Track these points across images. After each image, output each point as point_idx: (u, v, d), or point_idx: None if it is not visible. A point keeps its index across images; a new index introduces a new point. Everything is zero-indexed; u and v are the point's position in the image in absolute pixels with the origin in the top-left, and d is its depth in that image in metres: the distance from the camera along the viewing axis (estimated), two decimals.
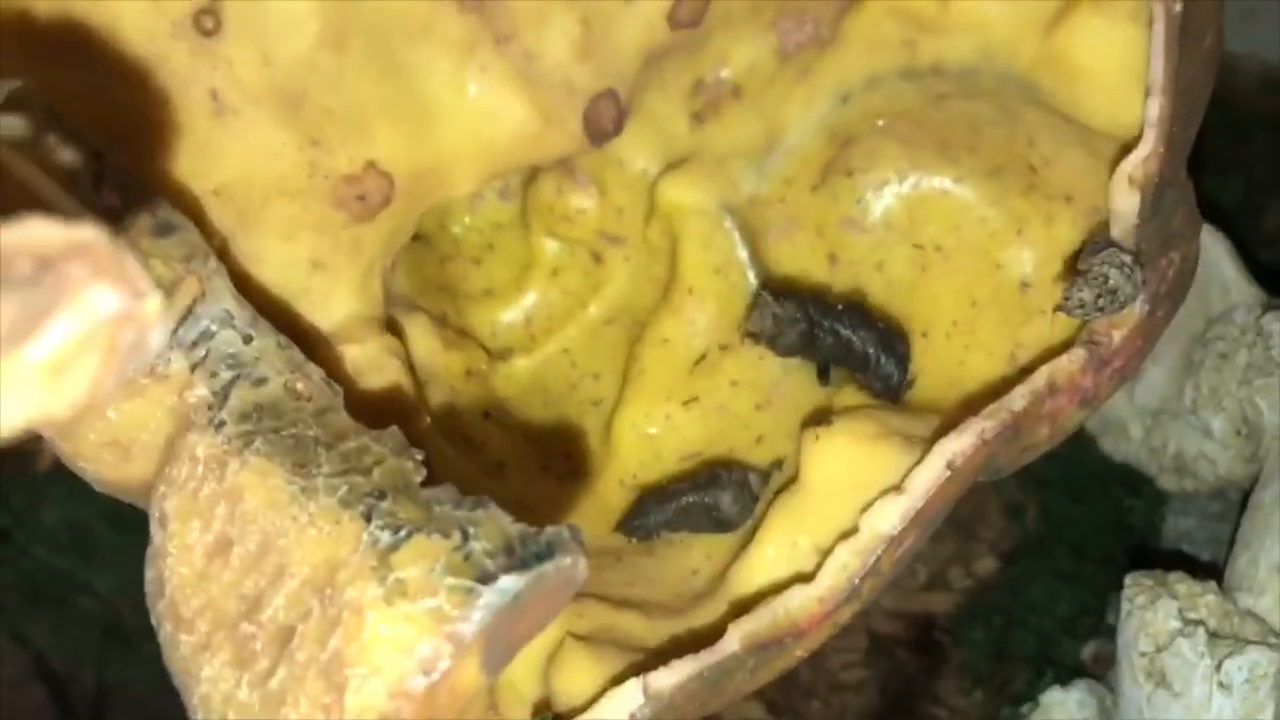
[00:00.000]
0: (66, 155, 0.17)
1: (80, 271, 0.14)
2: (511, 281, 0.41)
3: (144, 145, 0.30)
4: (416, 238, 0.40)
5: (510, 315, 0.41)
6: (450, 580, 0.23)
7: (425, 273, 0.40)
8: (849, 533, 0.33)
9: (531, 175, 0.40)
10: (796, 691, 0.41)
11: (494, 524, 0.24)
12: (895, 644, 0.42)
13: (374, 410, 0.33)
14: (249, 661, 0.25)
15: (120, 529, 0.44)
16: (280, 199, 0.32)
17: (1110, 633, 0.41)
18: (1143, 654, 0.36)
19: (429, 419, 0.36)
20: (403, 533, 0.24)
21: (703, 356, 0.40)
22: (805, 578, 0.33)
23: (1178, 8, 0.28)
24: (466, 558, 0.23)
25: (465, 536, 0.24)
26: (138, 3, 0.28)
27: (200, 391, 0.27)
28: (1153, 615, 0.36)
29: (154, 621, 0.27)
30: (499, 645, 0.23)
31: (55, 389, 0.14)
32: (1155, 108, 0.30)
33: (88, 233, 0.14)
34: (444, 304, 0.41)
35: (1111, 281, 0.34)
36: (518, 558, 0.23)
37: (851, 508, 0.33)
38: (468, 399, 0.39)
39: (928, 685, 0.42)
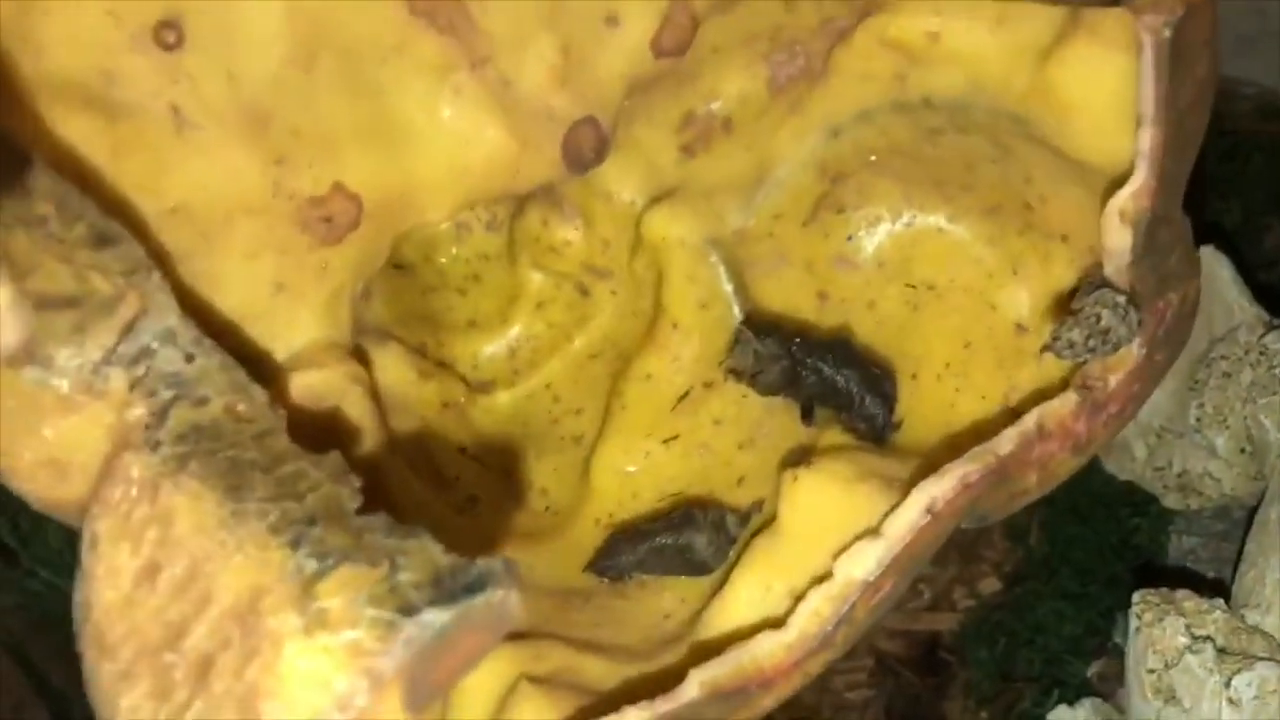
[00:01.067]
0: None
1: None
2: (496, 313, 0.41)
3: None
4: (399, 267, 0.39)
5: (493, 347, 0.41)
6: (372, 612, 0.22)
7: (407, 303, 0.40)
8: (823, 577, 0.32)
9: (519, 206, 0.39)
10: (801, 712, 0.41)
11: (423, 554, 0.23)
12: (900, 663, 0.42)
13: (328, 437, 0.32)
14: (168, 692, 0.24)
15: None
16: (243, 219, 0.31)
17: (1116, 652, 0.40)
18: (1151, 671, 0.36)
19: (396, 450, 0.35)
20: (329, 561, 0.23)
21: (686, 394, 0.39)
22: (777, 623, 0.32)
23: (1166, 33, 0.27)
24: (391, 589, 0.22)
25: (393, 566, 0.23)
26: (94, 14, 0.28)
27: (138, 410, 0.26)
28: (1160, 632, 0.36)
29: (79, 648, 0.26)
30: (422, 682, 0.22)
31: None
32: (1146, 139, 0.29)
33: None
34: (425, 335, 0.40)
35: (1104, 322, 0.32)
36: (445, 590, 0.22)
37: (828, 552, 0.32)
38: (443, 432, 0.38)
39: (934, 705, 0.41)
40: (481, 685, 0.30)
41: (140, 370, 0.26)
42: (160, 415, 0.26)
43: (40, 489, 0.27)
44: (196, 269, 0.31)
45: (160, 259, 0.29)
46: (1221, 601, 0.37)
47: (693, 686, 0.30)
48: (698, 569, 0.35)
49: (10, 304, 0.13)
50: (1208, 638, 0.36)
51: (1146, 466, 0.43)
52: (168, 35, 0.29)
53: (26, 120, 0.27)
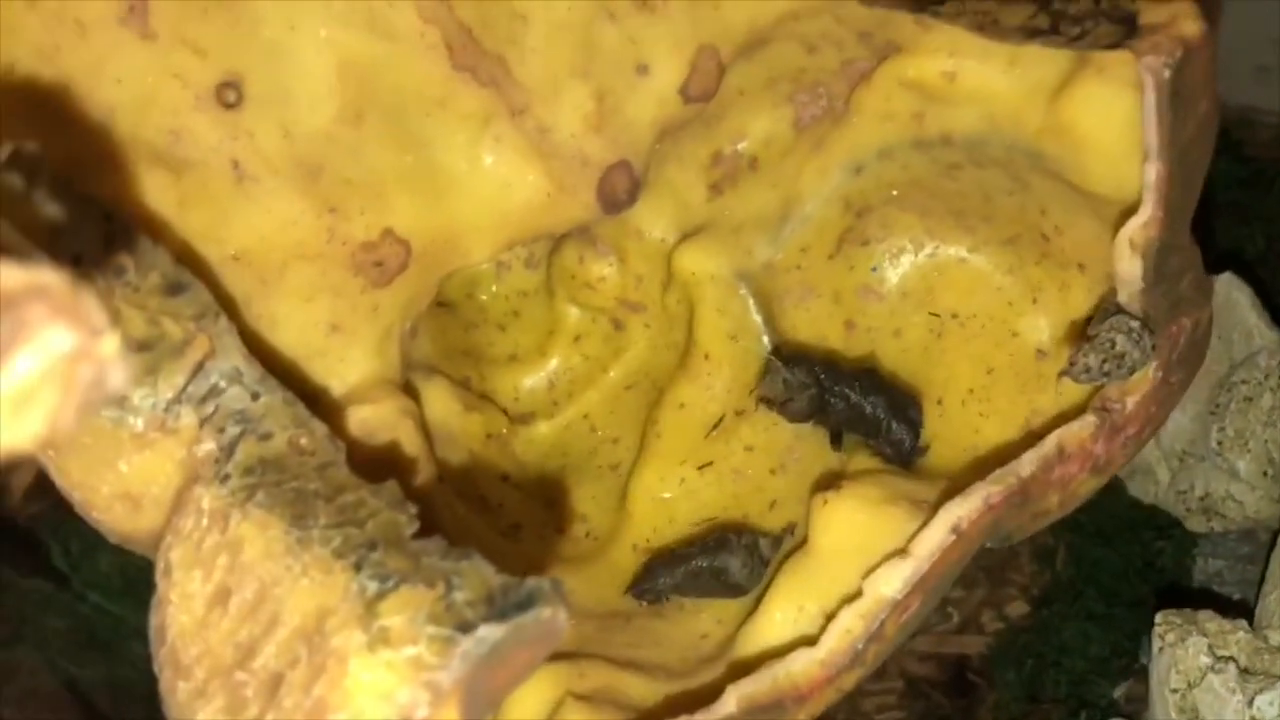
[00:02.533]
0: (51, 209, 0.18)
1: (39, 311, 0.15)
2: (535, 347, 0.42)
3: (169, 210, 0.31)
4: (443, 305, 0.41)
5: (533, 380, 0.42)
6: (431, 629, 0.24)
7: (450, 339, 0.42)
8: (854, 597, 0.33)
9: (556, 244, 0.41)
10: None
11: (476, 574, 0.24)
12: (930, 686, 0.43)
13: (383, 468, 0.34)
14: (240, 709, 0.25)
15: None
16: (299, 264, 0.33)
17: (1142, 674, 0.41)
18: (1175, 690, 0.36)
19: (443, 479, 0.37)
20: (390, 582, 0.25)
21: (719, 421, 0.40)
22: (810, 642, 0.33)
23: (1166, 74, 0.29)
24: (448, 607, 0.24)
25: (449, 586, 0.24)
26: (161, 77, 0.30)
27: (208, 446, 0.28)
28: (1184, 652, 0.36)
29: (155, 669, 0.27)
30: (479, 694, 0.24)
31: (16, 423, 0.15)
32: (1152, 173, 0.31)
33: (46, 275, 0.15)
34: (468, 369, 0.42)
35: (1119, 347, 0.34)
36: (497, 608, 0.24)
37: (858, 572, 0.33)
38: (487, 462, 0.40)
39: None
40: (529, 702, 0.32)
41: (209, 408, 0.28)
42: (228, 450, 0.28)
43: (116, 520, 0.29)
44: (257, 311, 0.33)
45: (224, 303, 0.31)
46: (1244, 622, 0.37)
47: (730, 702, 0.31)
48: (733, 591, 0.37)
49: (119, 351, 0.15)
50: (1230, 658, 0.36)
51: (1170, 490, 0.43)
52: (229, 94, 0.31)
53: (110, 181, 0.29)
